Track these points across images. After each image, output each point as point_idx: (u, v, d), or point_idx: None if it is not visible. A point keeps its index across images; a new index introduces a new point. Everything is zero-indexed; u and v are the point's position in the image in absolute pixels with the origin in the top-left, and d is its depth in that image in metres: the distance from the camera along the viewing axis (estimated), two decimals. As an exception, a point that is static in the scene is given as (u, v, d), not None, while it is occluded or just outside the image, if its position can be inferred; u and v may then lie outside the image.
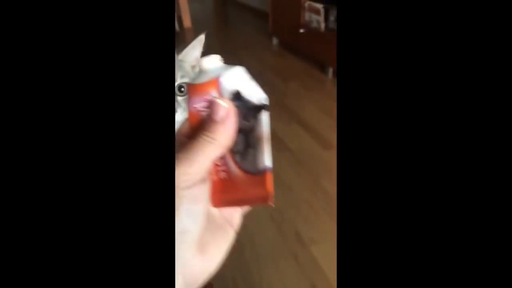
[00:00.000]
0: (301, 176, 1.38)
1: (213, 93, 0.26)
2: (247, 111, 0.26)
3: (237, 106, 0.26)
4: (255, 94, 0.27)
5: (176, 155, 0.24)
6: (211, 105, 0.26)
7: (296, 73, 2.33)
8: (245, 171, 0.26)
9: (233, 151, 0.27)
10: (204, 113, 0.26)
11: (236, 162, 0.27)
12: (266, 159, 0.26)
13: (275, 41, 2.84)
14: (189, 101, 0.27)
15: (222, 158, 0.27)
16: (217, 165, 0.27)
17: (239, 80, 0.27)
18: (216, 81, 0.26)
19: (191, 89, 0.27)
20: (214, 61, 0.28)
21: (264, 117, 0.26)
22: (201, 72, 0.28)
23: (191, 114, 0.27)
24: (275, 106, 1.92)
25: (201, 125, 0.26)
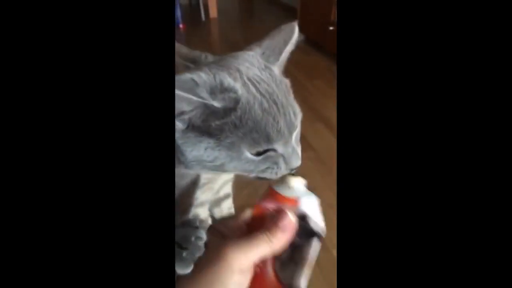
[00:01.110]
0: (324, 177, 1.36)
1: (288, 206, 0.31)
2: (304, 232, 0.31)
3: (299, 225, 0.30)
4: (317, 223, 0.32)
5: (237, 240, 0.28)
6: (281, 213, 0.30)
7: (322, 71, 2.29)
8: (279, 280, 0.30)
9: (276, 257, 0.30)
10: (269, 213, 0.30)
11: (274, 268, 0.30)
12: (303, 281, 0.30)
13: (301, 37, 2.80)
14: (264, 199, 0.31)
15: (264, 258, 0.30)
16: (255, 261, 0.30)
17: (312, 207, 0.32)
18: (296, 200, 0.31)
19: (273, 193, 0.31)
20: (300, 182, 0.34)
21: (315, 244, 0.31)
22: (289, 187, 0.33)
23: (258, 208, 0.31)
24: (299, 103, 1.88)
25: (263, 222, 0.30)
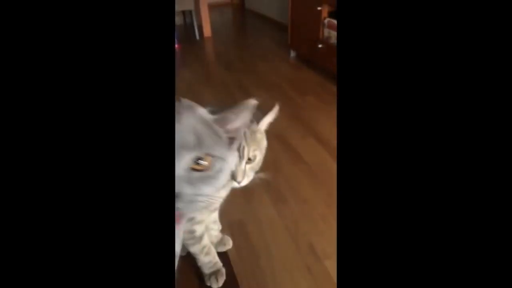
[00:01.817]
0: (316, 189, 1.41)
1: None
2: None
3: None
4: None
5: None
6: None
7: (313, 87, 2.37)
8: None
9: None
10: None
11: None
12: None
13: (292, 54, 2.90)
14: None
15: None
16: None
17: None
18: None
19: None
20: None
21: None
22: None
23: None
24: (292, 119, 1.96)
25: None
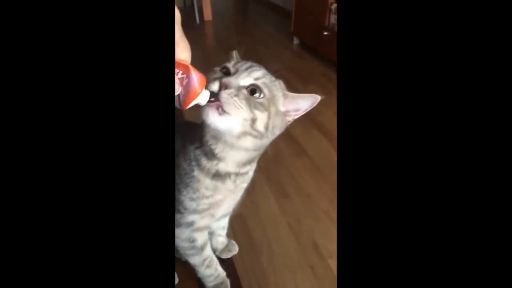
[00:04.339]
0: (320, 184, 1.37)
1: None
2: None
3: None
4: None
5: None
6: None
7: (316, 76, 2.30)
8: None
9: None
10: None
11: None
12: None
13: (296, 41, 2.80)
14: None
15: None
16: None
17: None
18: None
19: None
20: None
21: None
22: None
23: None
24: (294, 108, 1.89)
25: None
